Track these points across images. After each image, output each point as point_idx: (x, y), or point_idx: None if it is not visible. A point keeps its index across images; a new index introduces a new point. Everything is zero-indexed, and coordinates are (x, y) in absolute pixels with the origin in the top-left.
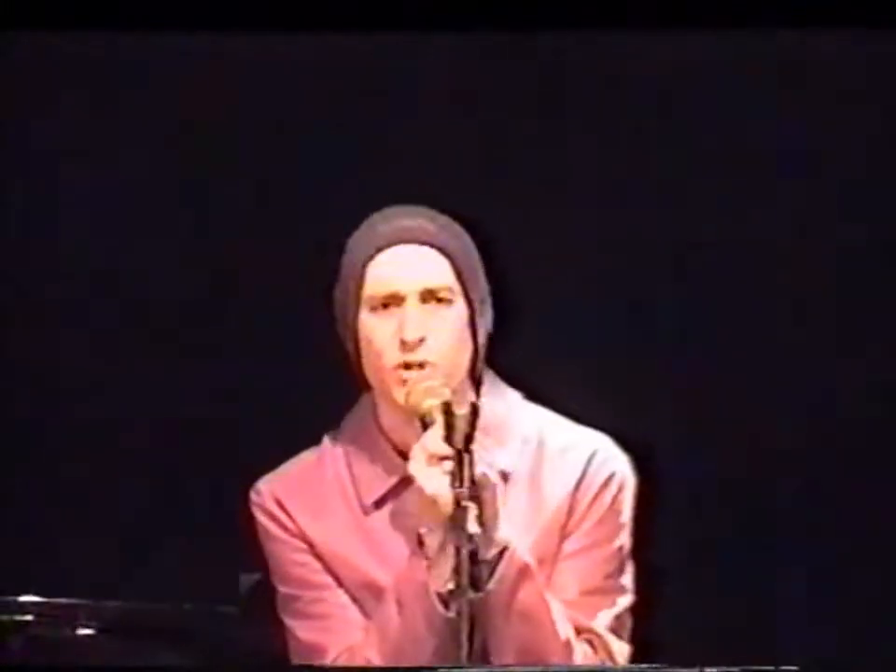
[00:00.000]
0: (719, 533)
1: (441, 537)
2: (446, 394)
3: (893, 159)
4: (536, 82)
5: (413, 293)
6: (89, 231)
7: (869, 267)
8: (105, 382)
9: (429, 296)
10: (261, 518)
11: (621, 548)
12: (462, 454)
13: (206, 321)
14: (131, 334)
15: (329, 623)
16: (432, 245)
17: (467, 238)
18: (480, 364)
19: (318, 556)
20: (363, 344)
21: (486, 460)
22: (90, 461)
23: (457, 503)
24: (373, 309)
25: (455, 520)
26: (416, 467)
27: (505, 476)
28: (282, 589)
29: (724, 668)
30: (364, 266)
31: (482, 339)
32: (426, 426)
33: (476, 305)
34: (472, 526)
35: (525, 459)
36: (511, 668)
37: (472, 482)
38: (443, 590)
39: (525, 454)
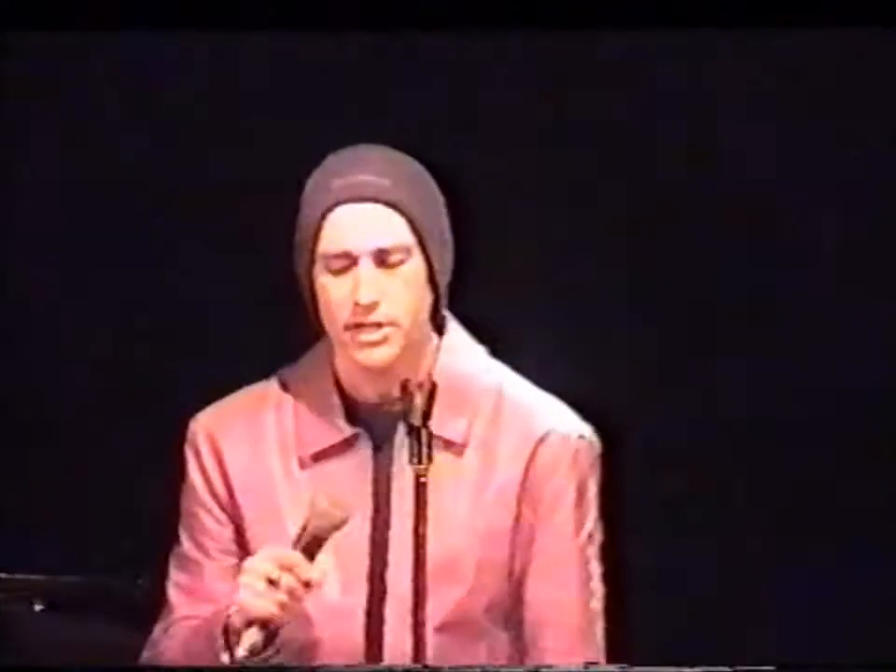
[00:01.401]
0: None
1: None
2: (333, 527)
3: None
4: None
5: (366, 254)
6: None
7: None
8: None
9: (385, 256)
10: (188, 455)
11: (586, 542)
12: (420, 430)
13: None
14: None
15: (193, 586)
16: (386, 203)
17: (428, 184)
18: (441, 313)
19: (232, 513)
20: (320, 300)
21: (435, 430)
22: None
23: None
24: (327, 267)
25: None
26: (251, 565)
27: (453, 447)
28: (180, 527)
29: (704, 668)
30: (318, 224)
31: (443, 289)
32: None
33: (435, 259)
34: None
35: (477, 431)
36: (509, 668)
37: (430, 459)
38: (238, 653)
39: (479, 425)
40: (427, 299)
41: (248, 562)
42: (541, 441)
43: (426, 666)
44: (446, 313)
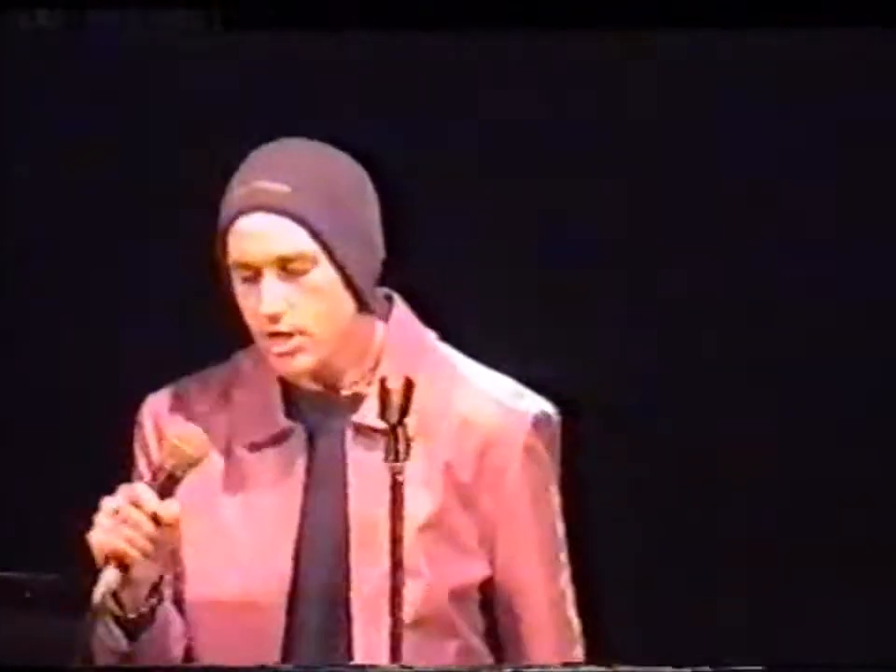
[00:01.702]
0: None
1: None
2: (187, 461)
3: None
4: None
5: (268, 264)
6: None
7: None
8: None
9: (286, 265)
10: (136, 429)
11: (550, 536)
12: (396, 428)
13: None
14: None
15: None
16: (284, 213)
17: (343, 183)
18: (375, 301)
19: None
20: (240, 307)
21: (371, 421)
22: None
23: None
24: (238, 276)
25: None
26: (103, 503)
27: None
28: None
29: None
30: (224, 234)
31: (365, 286)
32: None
33: (347, 264)
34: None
35: (428, 419)
36: (506, 668)
37: (407, 457)
38: (123, 617)
39: (430, 414)
40: (347, 303)
41: (104, 499)
42: (496, 424)
43: (403, 667)
44: (394, 295)
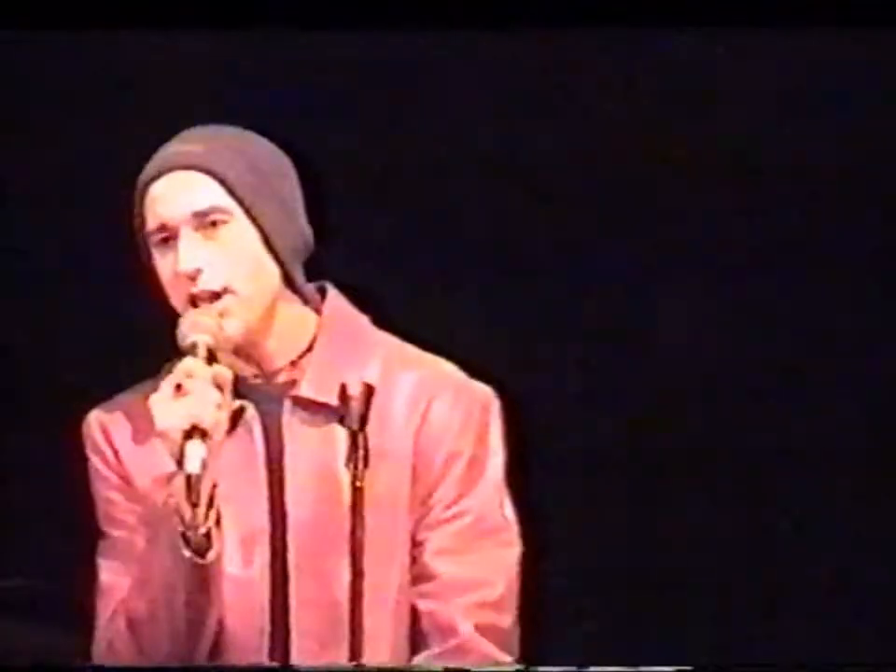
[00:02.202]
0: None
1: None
2: (213, 328)
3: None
4: None
5: (183, 221)
6: None
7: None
8: None
9: (202, 221)
10: (87, 449)
11: (485, 509)
12: (357, 434)
13: None
14: None
15: (128, 567)
16: (198, 168)
17: (257, 153)
18: (309, 287)
19: (134, 495)
20: (162, 283)
21: (310, 393)
22: None
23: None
24: (156, 246)
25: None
26: (154, 398)
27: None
28: (98, 523)
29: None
30: (140, 206)
31: (288, 256)
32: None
33: (265, 222)
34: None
35: (363, 411)
36: (505, 668)
37: (366, 463)
38: (192, 535)
39: (364, 404)
40: (270, 267)
41: (152, 396)
42: (429, 403)
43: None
44: (328, 287)
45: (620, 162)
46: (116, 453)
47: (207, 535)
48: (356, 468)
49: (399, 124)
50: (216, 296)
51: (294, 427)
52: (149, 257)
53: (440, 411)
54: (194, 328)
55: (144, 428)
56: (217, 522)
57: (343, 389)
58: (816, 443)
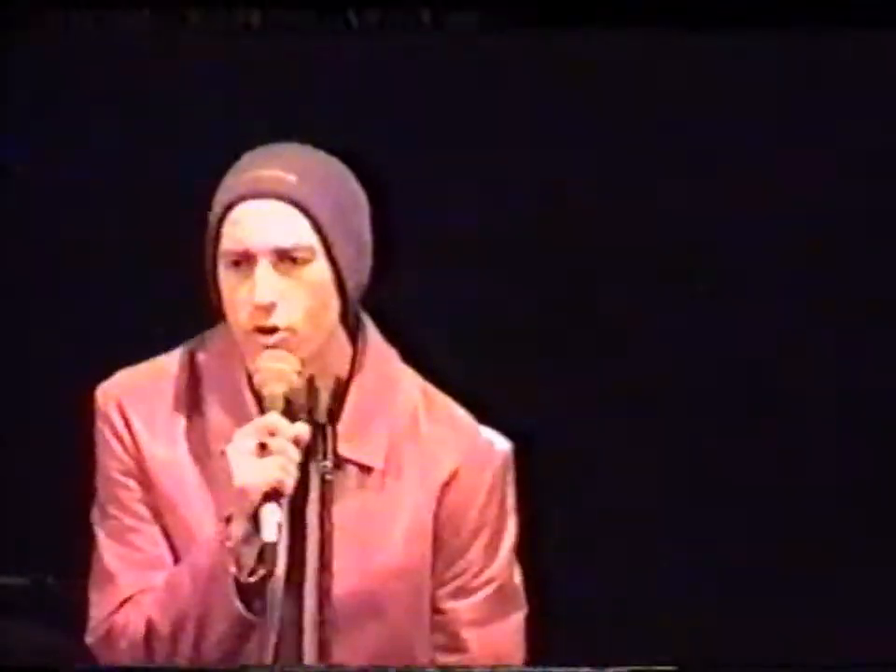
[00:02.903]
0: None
1: (247, 528)
2: (294, 380)
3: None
4: None
5: (265, 253)
6: None
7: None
8: None
9: (284, 256)
10: (98, 418)
11: (505, 575)
12: (325, 428)
13: None
14: None
15: (135, 557)
16: (289, 201)
17: (344, 184)
18: (352, 317)
19: (147, 483)
20: (224, 299)
21: (344, 451)
22: None
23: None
24: (228, 266)
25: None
26: (233, 450)
27: (366, 470)
28: (101, 499)
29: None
30: (219, 220)
31: (352, 294)
32: (263, 410)
33: (342, 263)
34: (269, 534)
35: (394, 453)
36: (503, 668)
37: (335, 455)
38: (244, 580)
39: (396, 447)
40: (333, 305)
41: (230, 447)
42: (455, 473)
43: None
44: (363, 317)
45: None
46: (132, 433)
47: (259, 583)
48: (324, 459)
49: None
50: (275, 330)
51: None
52: (214, 269)
53: (466, 482)
54: (278, 378)
55: (161, 407)
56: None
57: (311, 382)
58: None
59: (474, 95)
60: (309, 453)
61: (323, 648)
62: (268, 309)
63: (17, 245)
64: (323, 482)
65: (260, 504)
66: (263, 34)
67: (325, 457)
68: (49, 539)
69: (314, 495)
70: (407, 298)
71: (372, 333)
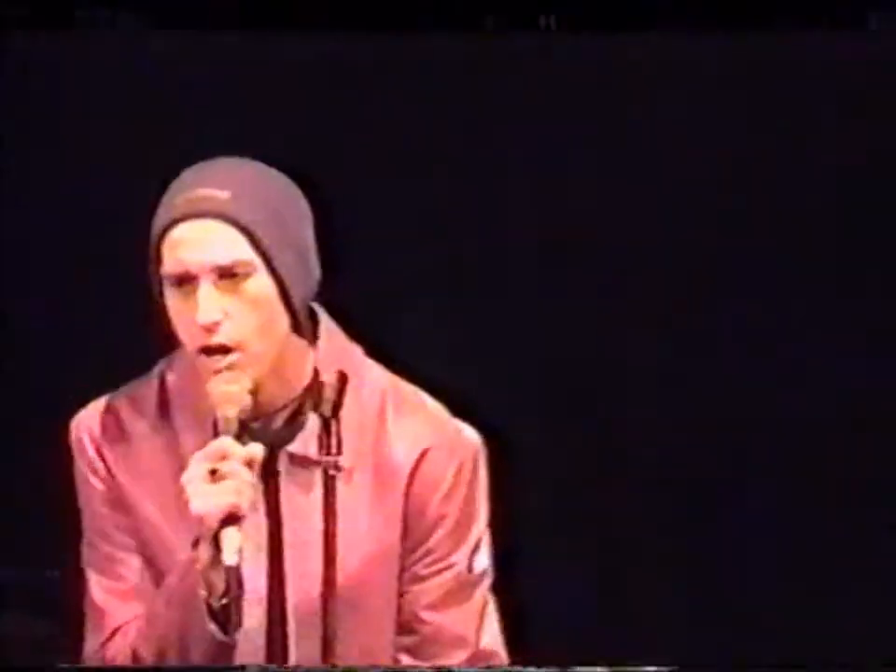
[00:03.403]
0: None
1: (212, 553)
2: (247, 401)
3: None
4: None
5: (205, 272)
6: None
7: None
8: None
9: (224, 274)
10: (74, 452)
11: (471, 561)
12: (330, 422)
13: None
14: None
15: (121, 588)
16: (224, 218)
17: (283, 198)
18: (306, 323)
19: (127, 511)
20: (172, 321)
21: (311, 452)
22: None
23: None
24: (171, 287)
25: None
26: (188, 478)
27: (334, 468)
28: (86, 533)
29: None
30: (158, 244)
31: (300, 304)
32: (217, 433)
33: (284, 275)
34: (230, 557)
35: (363, 449)
36: (501, 669)
37: (339, 451)
38: (216, 603)
39: (364, 443)
40: (282, 317)
41: (185, 474)
42: (423, 455)
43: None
44: (323, 318)
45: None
46: (105, 462)
47: (229, 606)
48: (328, 454)
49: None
50: (228, 349)
51: (289, 481)
52: (160, 293)
53: (433, 465)
54: (229, 401)
55: (134, 434)
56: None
57: (316, 375)
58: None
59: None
60: (319, 446)
61: (327, 645)
62: (212, 328)
63: None
64: (327, 476)
65: (219, 529)
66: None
67: (329, 452)
68: (48, 531)
69: (317, 491)
70: (376, 295)
71: (333, 333)
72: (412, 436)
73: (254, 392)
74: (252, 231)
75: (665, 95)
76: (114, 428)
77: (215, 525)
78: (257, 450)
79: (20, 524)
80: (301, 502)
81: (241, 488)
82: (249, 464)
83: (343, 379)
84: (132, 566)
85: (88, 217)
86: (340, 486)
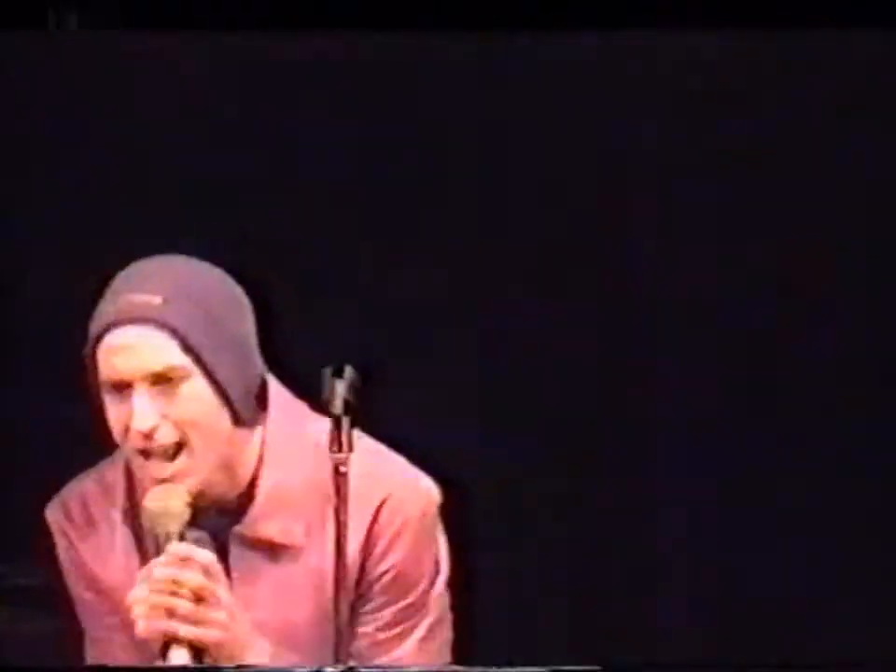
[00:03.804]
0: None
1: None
2: (184, 515)
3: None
4: None
5: (139, 379)
6: None
7: None
8: None
9: (158, 379)
10: (53, 533)
11: (423, 597)
12: (340, 419)
13: None
14: None
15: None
16: (156, 324)
17: (215, 297)
18: (250, 411)
19: (107, 595)
20: (110, 424)
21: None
22: None
23: None
24: (109, 392)
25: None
26: (134, 597)
27: (290, 549)
28: (81, 622)
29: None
30: (94, 349)
31: (239, 402)
32: (158, 550)
33: (221, 376)
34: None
35: (314, 520)
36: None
37: (350, 448)
38: None
39: (315, 512)
40: (222, 417)
41: (130, 595)
42: (379, 508)
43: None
44: (269, 383)
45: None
46: (76, 550)
47: None
48: (339, 451)
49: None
50: (170, 452)
51: (240, 561)
52: (98, 394)
53: (392, 508)
54: (164, 517)
55: (105, 522)
56: None
57: (330, 373)
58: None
59: None
60: (330, 443)
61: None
62: (150, 434)
63: None
64: (337, 472)
65: (164, 651)
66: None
67: (340, 449)
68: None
69: (267, 569)
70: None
71: (280, 399)
72: (373, 484)
73: (193, 503)
74: (184, 335)
75: (664, 95)
76: (81, 517)
77: (158, 647)
78: (192, 577)
79: (20, 523)
80: (250, 581)
81: (177, 610)
82: (179, 584)
83: (355, 377)
84: (124, 645)
85: None
86: (293, 564)
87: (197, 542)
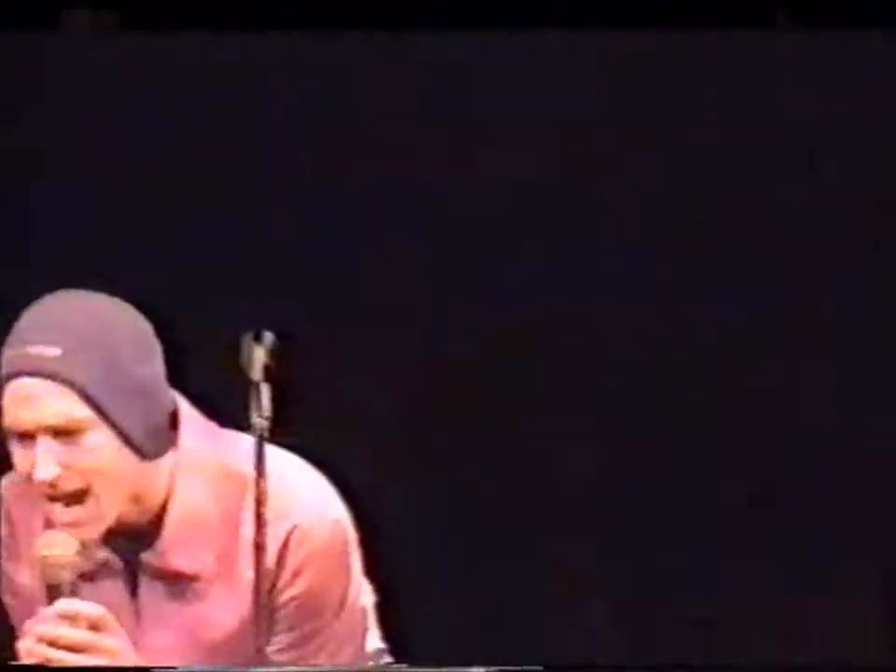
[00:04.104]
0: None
1: None
2: (74, 564)
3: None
4: None
5: (41, 430)
6: None
7: None
8: None
9: (60, 431)
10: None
11: (328, 623)
12: (259, 385)
13: None
14: None
15: None
16: (55, 379)
17: (118, 341)
18: (156, 449)
19: (17, 594)
20: (16, 467)
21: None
22: None
23: None
24: (13, 439)
25: None
26: (22, 651)
27: (200, 579)
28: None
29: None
30: (1, 393)
31: (145, 444)
32: (49, 593)
33: (125, 424)
34: None
35: (221, 552)
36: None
37: (274, 415)
38: None
39: (225, 541)
40: (128, 459)
41: (20, 644)
42: (290, 534)
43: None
44: (179, 402)
45: None
46: (12, 522)
47: None
48: (259, 416)
49: None
50: (74, 497)
51: (149, 589)
52: (4, 439)
53: (294, 546)
54: (57, 565)
55: (15, 518)
56: None
57: (249, 340)
58: None
59: None
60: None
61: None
62: (53, 483)
63: None
64: (260, 437)
65: None
66: None
67: (260, 415)
68: None
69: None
70: None
71: (190, 425)
72: (281, 512)
73: (82, 551)
74: (84, 388)
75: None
76: (6, 514)
77: None
78: (78, 635)
79: None
80: (158, 609)
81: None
82: (72, 649)
83: (276, 343)
84: None
85: None
86: (206, 592)
87: (105, 564)
